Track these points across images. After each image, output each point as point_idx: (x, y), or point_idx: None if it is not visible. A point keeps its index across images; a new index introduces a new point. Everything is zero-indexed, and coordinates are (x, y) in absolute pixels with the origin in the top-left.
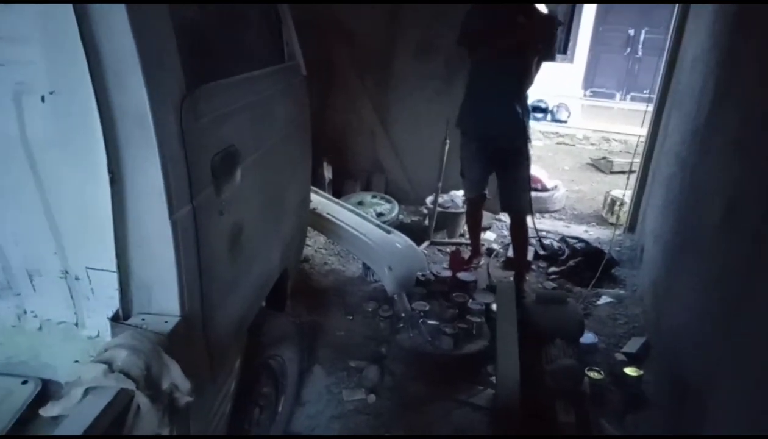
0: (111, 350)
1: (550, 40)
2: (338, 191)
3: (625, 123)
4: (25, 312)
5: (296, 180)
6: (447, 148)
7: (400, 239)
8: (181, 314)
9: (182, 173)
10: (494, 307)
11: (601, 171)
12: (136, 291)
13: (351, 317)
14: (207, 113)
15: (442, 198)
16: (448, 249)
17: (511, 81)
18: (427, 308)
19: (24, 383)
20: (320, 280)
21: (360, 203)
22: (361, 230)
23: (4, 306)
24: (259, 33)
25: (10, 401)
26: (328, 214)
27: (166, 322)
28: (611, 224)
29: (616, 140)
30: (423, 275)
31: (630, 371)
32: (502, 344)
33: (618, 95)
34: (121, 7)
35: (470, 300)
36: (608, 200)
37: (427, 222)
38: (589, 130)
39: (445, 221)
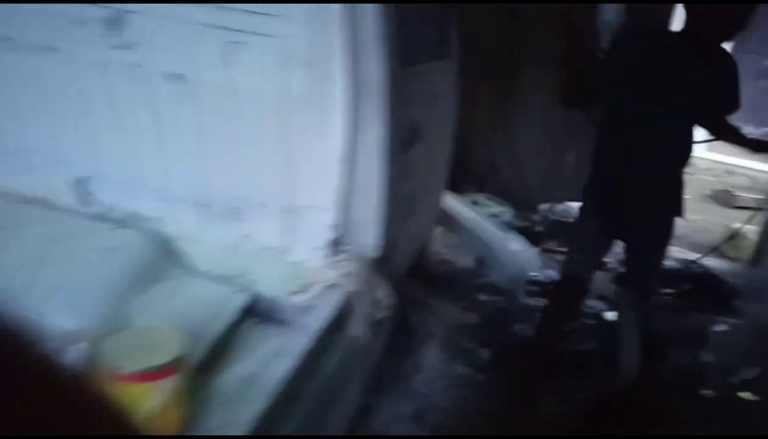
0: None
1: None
2: (451, 190)
3: (752, 158)
4: (246, 236)
5: (441, 167)
6: (567, 159)
7: (514, 239)
8: (380, 246)
9: (393, 136)
10: (607, 314)
11: (721, 204)
12: (348, 226)
13: (464, 304)
14: (410, 91)
15: (558, 207)
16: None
17: (677, 142)
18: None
19: (237, 292)
20: (434, 267)
21: (474, 203)
22: (478, 225)
23: (231, 229)
24: (438, 30)
25: (227, 306)
26: (448, 206)
27: (369, 252)
28: (730, 257)
29: (741, 174)
30: (535, 277)
31: (744, 395)
32: (626, 335)
33: (748, 128)
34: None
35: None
36: (729, 233)
37: (540, 228)
38: (711, 161)
39: (559, 230)
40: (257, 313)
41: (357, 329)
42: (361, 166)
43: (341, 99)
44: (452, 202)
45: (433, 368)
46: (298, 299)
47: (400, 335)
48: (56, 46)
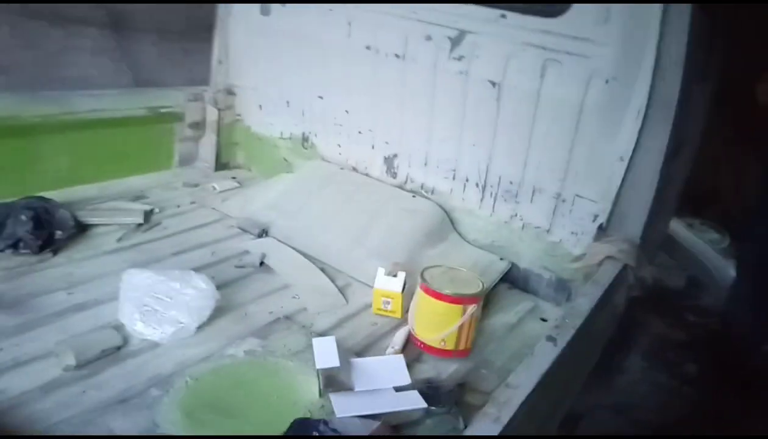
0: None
1: None
2: None
3: None
4: (516, 215)
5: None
6: None
7: (731, 266)
8: (641, 236)
9: (671, 144)
10: None
11: None
12: (617, 216)
13: (672, 321)
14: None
15: None
16: None
17: None
18: None
19: (501, 259)
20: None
21: (689, 226)
22: (696, 247)
23: (506, 207)
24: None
25: (492, 268)
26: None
27: (634, 238)
28: None
29: None
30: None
31: None
32: None
33: None
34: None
35: None
36: None
37: None
38: None
39: None
40: (511, 280)
41: (620, 299)
42: (639, 167)
43: (635, 110)
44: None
45: (636, 372)
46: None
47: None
48: (407, 54)
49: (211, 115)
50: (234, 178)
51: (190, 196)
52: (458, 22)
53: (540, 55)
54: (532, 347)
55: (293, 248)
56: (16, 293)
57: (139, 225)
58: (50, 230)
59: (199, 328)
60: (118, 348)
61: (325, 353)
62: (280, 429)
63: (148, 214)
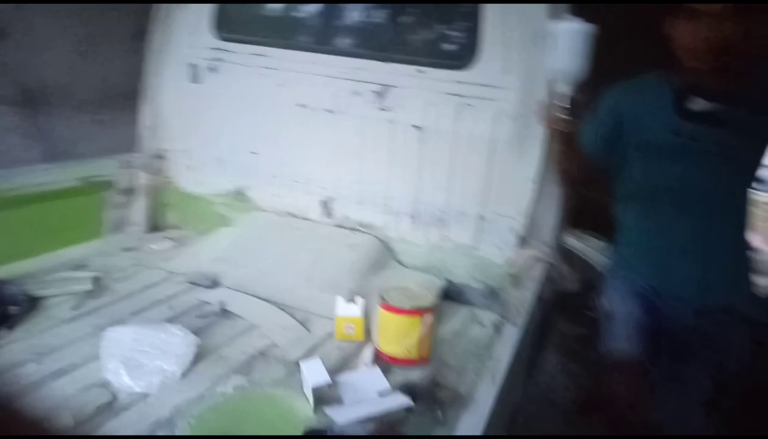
0: (530, 251)
1: None
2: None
3: None
4: (445, 237)
5: None
6: None
7: None
8: (553, 243)
9: None
10: None
11: None
12: (532, 228)
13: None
14: None
15: None
16: None
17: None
18: None
19: (438, 279)
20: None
21: (579, 238)
22: (587, 255)
23: (436, 232)
24: None
25: (433, 287)
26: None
27: (549, 243)
28: None
29: None
30: None
31: None
32: None
33: None
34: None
35: None
36: None
37: None
38: None
39: None
40: (449, 295)
41: (546, 294)
42: (545, 186)
43: (537, 140)
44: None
45: (554, 364)
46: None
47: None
48: (337, 108)
49: (142, 179)
50: (169, 238)
51: (130, 260)
52: (383, 78)
53: (455, 100)
54: (481, 345)
55: (247, 294)
56: None
57: (89, 292)
58: (2, 307)
59: (183, 374)
60: (110, 404)
61: (314, 373)
62: None
63: (96, 281)
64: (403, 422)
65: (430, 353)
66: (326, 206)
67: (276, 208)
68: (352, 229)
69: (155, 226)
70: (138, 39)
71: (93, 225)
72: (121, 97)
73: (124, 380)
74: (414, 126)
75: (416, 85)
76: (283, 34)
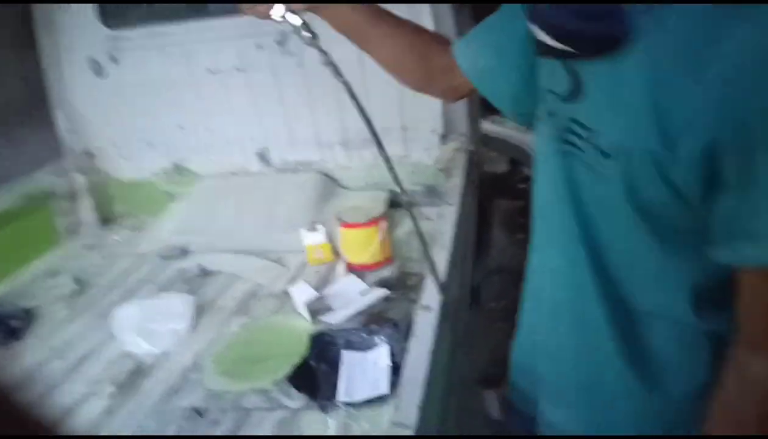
0: (451, 144)
1: None
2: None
3: None
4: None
5: None
6: None
7: None
8: (471, 133)
9: None
10: None
11: None
12: (449, 124)
13: (508, 196)
14: None
15: None
16: None
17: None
18: None
19: (382, 192)
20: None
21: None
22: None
23: (368, 152)
24: None
25: (378, 201)
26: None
27: (466, 133)
28: None
29: None
30: None
31: None
32: None
33: None
34: None
35: None
36: None
37: None
38: None
39: None
40: (395, 203)
41: (474, 177)
42: None
43: None
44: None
45: (502, 239)
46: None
47: None
48: (246, 65)
49: (80, 180)
50: (124, 227)
51: (97, 255)
52: (280, 26)
53: None
54: (432, 235)
55: (218, 252)
56: (12, 379)
57: (75, 291)
58: (5, 323)
59: (192, 328)
60: (139, 367)
61: (303, 292)
62: (300, 354)
63: (77, 280)
64: (386, 309)
65: (391, 253)
66: (263, 157)
67: (217, 172)
68: (293, 170)
69: (106, 219)
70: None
71: (47, 235)
72: (28, 107)
73: (143, 346)
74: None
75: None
76: (174, 8)
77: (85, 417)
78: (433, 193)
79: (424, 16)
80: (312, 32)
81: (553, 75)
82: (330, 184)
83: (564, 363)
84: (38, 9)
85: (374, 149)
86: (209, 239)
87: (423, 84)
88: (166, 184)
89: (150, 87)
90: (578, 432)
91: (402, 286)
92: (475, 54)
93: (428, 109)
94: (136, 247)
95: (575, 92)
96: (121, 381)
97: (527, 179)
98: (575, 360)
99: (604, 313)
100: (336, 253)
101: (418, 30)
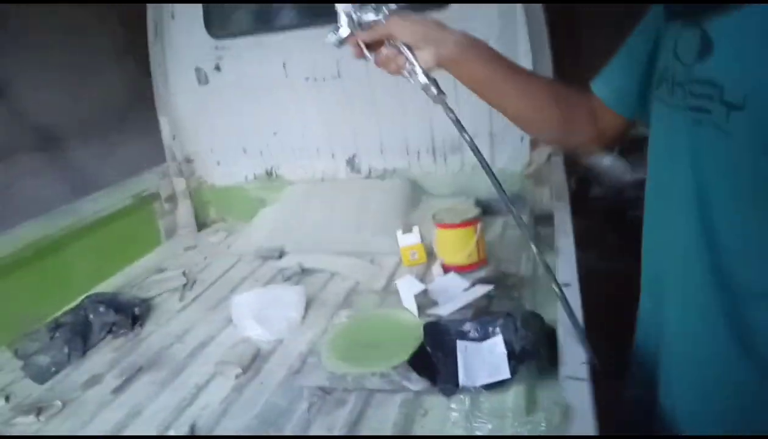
0: (543, 148)
1: None
2: None
3: None
4: (464, 161)
5: None
6: None
7: None
8: None
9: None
10: None
11: None
12: None
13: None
14: None
15: None
16: None
17: None
18: None
19: (466, 198)
20: None
21: None
22: None
23: (455, 158)
24: None
25: (470, 204)
26: None
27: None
28: None
29: None
30: None
31: None
32: None
33: None
34: None
35: None
36: None
37: None
38: None
39: None
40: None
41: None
42: None
43: (525, 48)
44: None
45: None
46: None
47: None
48: (342, 73)
49: (180, 185)
50: (220, 230)
51: (198, 255)
52: None
53: None
54: (521, 240)
55: (314, 253)
56: (143, 359)
57: (185, 285)
58: (129, 310)
59: (303, 318)
60: (258, 352)
61: (410, 286)
62: (414, 344)
63: (185, 275)
64: (490, 304)
65: (486, 255)
66: (352, 163)
67: (307, 178)
68: (380, 177)
69: (202, 224)
70: (127, 53)
71: (152, 235)
72: (135, 113)
73: (261, 333)
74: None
75: None
76: (271, 18)
77: (216, 395)
78: (518, 201)
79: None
80: (440, 90)
81: (679, 41)
82: (416, 190)
83: (674, 347)
84: (151, 19)
85: (460, 156)
86: (301, 241)
87: (564, 134)
88: (258, 189)
89: (248, 94)
90: (688, 421)
91: (502, 284)
92: (614, 80)
93: None
94: (233, 248)
95: (704, 51)
96: (244, 363)
97: (595, 199)
98: (683, 344)
99: (713, 294)
100: (430, 255)
101: (551, 81)
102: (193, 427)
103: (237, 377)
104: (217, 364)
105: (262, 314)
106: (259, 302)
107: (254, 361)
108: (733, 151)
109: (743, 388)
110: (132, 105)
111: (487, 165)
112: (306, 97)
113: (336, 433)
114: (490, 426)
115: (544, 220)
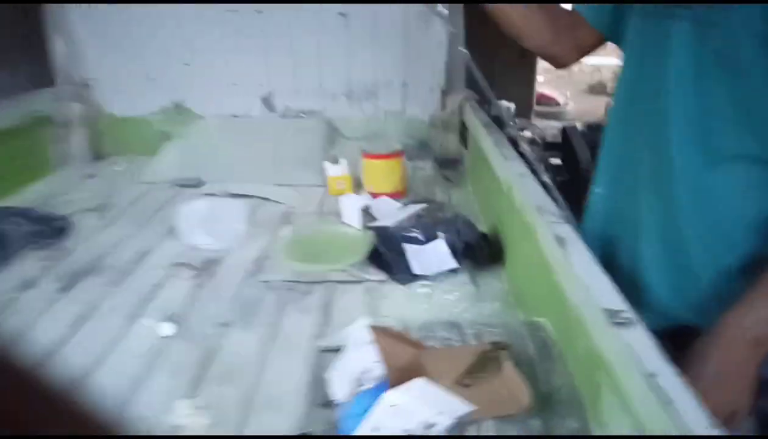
0: (456, 96)
1: None
2: None
3: None
4: (378, 108)
5: None
6: None
7: None
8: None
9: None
10: None
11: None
12: (450, 82)
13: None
14: None
15: None
16: None
17: None
18: None
19: None
20: None
21: None
22: None
23: (369, 104)
24: None
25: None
26: None
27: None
28: None
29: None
30: None
31: None
32: None
33: None
34: None
35: None
36: None
37: None
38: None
39: None
40: None
41: None
42: (453, 47)
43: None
44: None
45: None
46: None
47: None
48: (265, 9)
49: (75, 110)
50: (120, 163)
51: (104, 183)
52: None
53: None
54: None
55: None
56: (79, 266)
57: (101, 205)
58: (50, 222)
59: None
60: (209, 258)
61: (354, 201)
62: (365, 248)
63: (98, 198)
64: (422, 216)
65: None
66: (267, 102)
67: (218, 113)
68: (296, 117)
69: (97, 155)
70: None
71: (44, 160)
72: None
73: (209, 241)
74: (339, 13)
75: None
76: None
77: (178, 291)
78: (424, 149)
79: None
80: None
81: None
82: (332, 131)
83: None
84: None
85: (374, 101)
86: (218, 174)
87: (549, 41)
88: (163, 122)
89: (158, 20)
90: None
91: (430, 206)
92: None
93: (431, 67)
94: (140, 178)
95: None
96: (197, 267)
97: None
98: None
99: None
100: (355, 186)
101: None
102: (171, 315)
103: (194, 277)
104: (169, 266)
105: (208, 225)
106: (205, 212)
107: (208, 266)
108: (718, 40)
109: None
110: (20, 21)
111: None
112: (224, 29)
113: (310, 315)
114: (457, 294)
115: (449, 163)
